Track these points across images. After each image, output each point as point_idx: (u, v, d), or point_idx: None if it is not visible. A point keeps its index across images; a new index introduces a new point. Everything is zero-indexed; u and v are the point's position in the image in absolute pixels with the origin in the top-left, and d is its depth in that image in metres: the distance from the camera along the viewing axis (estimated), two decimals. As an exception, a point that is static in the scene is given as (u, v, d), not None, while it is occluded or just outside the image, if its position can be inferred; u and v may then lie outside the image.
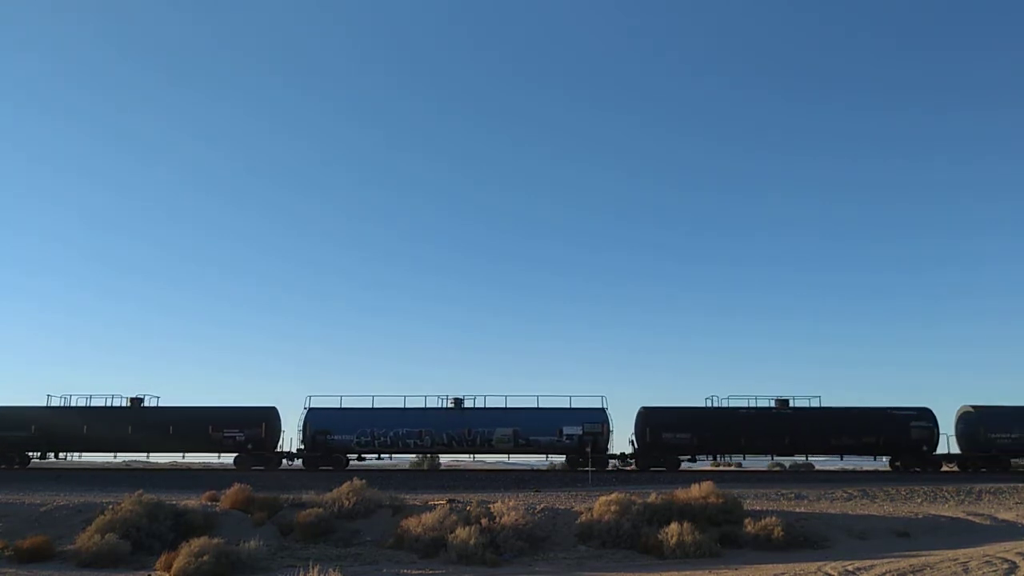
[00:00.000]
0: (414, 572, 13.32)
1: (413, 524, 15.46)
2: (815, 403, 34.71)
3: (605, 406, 34.46)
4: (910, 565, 11.68)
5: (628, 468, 34.28)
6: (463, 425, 34.07)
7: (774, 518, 15.96)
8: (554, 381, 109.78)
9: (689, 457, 34.33)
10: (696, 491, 17.51)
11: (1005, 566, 11.31)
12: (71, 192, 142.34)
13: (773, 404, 34.66)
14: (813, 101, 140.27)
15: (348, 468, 33.54)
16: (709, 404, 35.09)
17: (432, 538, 14.94)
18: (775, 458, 40.38)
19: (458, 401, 35.12)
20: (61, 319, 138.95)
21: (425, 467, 40.74)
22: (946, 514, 18.16)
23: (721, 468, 39.37)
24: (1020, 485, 25.50)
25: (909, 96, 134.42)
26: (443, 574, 13.24)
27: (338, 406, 34.67)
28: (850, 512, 18.29)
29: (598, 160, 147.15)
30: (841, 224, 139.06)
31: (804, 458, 38.94)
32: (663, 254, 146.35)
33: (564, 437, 33.69)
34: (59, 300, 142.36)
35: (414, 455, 37.16)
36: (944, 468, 33.69)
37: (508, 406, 34.68)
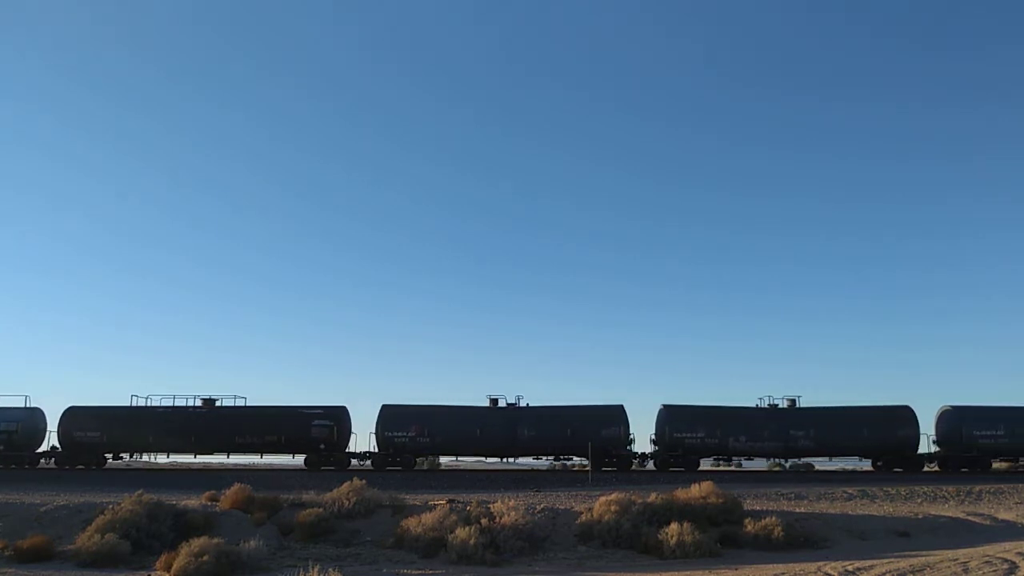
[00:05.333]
0: (414, 572, 13.33)
1: (413, 524, 15.46)
2: (242, 402, 35.48)
3: (29, 405, 35.58)
4: (910, 565, 11.69)
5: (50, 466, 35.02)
6: None
7: (774, 518, 15.97)
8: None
9: (112, 455, 35.51)
10: (696, 491, 17.53)
11: (1005, 566, 11.32)
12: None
13: (199, 403, 35.45)
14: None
15: None
16: (141, 403, 35.66)
17: (432, 538, 14.93)
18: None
19: None
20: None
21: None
22: (946, 514, 18.17)
23: (146, 466, 39.32)
24: (1020, 485, 25.51)
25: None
26: (443, 574, 13.25)
27: None
28: (850, 512, 18.29)
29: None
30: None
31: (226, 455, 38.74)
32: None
33: None
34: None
35: None
36: (353, 466, 34.07)
37: None
